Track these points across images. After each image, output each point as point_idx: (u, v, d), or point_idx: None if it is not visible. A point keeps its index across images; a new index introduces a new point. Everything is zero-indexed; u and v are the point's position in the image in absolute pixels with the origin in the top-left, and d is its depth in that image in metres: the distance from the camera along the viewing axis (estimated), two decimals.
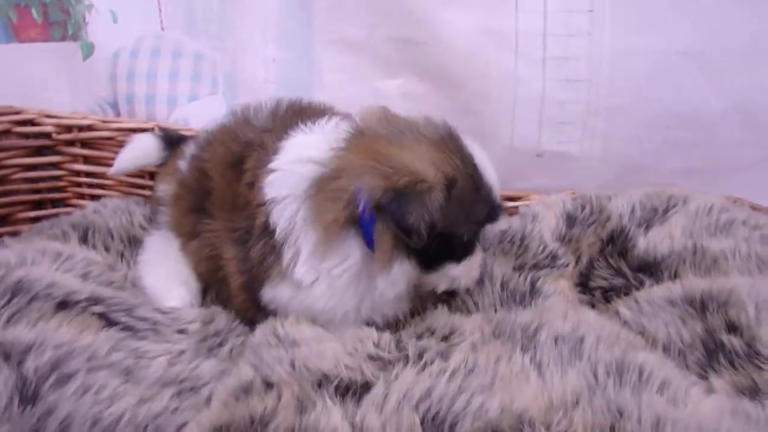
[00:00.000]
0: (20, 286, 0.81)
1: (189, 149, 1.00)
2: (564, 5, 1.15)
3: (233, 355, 0.82)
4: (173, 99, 1.39)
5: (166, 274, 0.98)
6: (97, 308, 0.82)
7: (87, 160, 1.33)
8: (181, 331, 0.84)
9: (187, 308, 0.90)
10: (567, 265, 1.00)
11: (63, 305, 0.81)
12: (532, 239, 1.02)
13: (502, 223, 1.07)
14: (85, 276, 0.94)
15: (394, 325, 0.92)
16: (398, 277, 0.76)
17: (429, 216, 0.69)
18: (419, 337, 0.79)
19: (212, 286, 0.96)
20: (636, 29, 1.12)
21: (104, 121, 1.30)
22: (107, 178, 1.33)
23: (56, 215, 1.26)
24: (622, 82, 1.15)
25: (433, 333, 0.80)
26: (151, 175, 1.28)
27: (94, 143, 1.31)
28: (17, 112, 1.28)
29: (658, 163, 1.18)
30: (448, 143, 0.77)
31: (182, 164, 0.98)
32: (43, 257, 0.95)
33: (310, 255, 0.76)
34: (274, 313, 0.82)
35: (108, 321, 0.81)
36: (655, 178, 1.16)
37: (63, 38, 1.37)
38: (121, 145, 1.30)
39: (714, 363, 0.72)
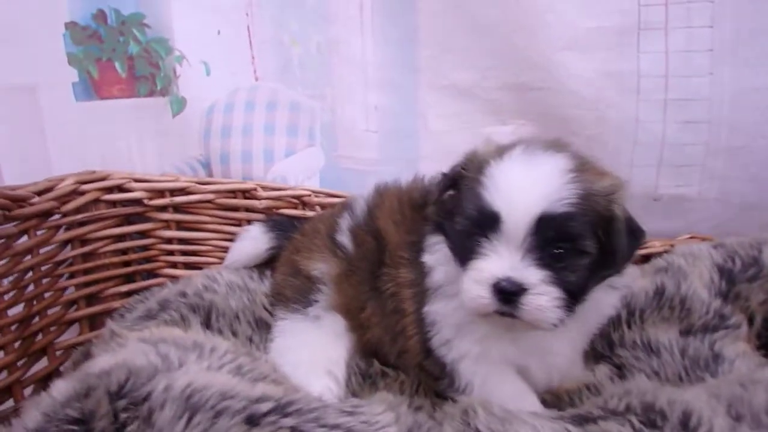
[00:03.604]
0: (193, 400, 0.74)
1: (345, 223, 0.99)
2: (684, 45, 1.17)
3: None
4: (270, 154, 1.34)
5: (309, 363, 0.94)
6: (287, 421, 0.75)
7: (180, 225, 1.27)
8: None
9: (372, 406, 0.83)
10: (739, 326, 0.99)
11: (251, 421, 0.73)
12: (692, 300, 1.02)
13: (649, 283, 1.07)
14: (239, 372, 0.87)
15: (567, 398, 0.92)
16: None
17: None
18: (653, 424, 0.75)
19: (387, 347, 0.96)
20: (757, 66, 1.14)
21: (200, 183, 1.24)
22: (202, 244, 1.27)
23: (148, 288, 1.20)
24: (743, 121, 1.17)
25: (664, 416, 0.76)
26: None
27: (188, 207, 1.25)
28: (103, 178, 1.19)
29: None
30: None
31: (344, 240, 0.98)
32: (185, 354, 0.87)
33: None
34: (439, 355, 0.87)
35: None
36: None
37: (150, 93, 1.30)
38: (218, 207, 1.25)
39: None
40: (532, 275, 0.71)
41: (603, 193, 0.74)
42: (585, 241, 0.72)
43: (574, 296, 0.74)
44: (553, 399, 0.92)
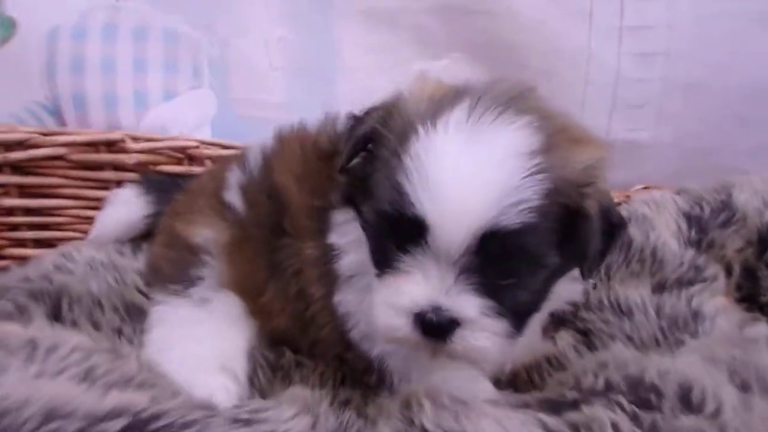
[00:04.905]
0: (3, 423, 0.53)
1: (235, 177, 0.83)
2: None
3: None
4: (142, 97, 1.12)
5: (197, 358, 0.78)
6: None
7: (23, 191, 1.04)
8: None
9: (280, 408, 0.65)
10: (716, 278, 0.92)
11: None
12: (663, 251, 0.94)
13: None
14: (87, 377, 0.65)
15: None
16: None
17: None
18: (647, 404, 0.60)
19: (297, 337, 0.81)
20: None
21: (45, 134, 1.02)
22: (56, 215, 1.06)
23: None
24: (702, 53, 1.13)
25: (659, 393, 0.61)
26: None
27: (32, 167, 1.02)
28: None
29: (727, 144, 1.18)
30: None
31: (233, 199, 0.81)
32: (10, 356, 0.65)
33: None
34: (361, 349, 0.73)
35: None
36: (723, 160, 1.17)
37: None
38: (75, 166, 1.06)
39: None
40: (470, 306, 0.54)
41: (575, 183, 0.57)
42: (546, 257, 0.56)
43: (524, 316, 0.60)
44: (508, 377, 0.81)
